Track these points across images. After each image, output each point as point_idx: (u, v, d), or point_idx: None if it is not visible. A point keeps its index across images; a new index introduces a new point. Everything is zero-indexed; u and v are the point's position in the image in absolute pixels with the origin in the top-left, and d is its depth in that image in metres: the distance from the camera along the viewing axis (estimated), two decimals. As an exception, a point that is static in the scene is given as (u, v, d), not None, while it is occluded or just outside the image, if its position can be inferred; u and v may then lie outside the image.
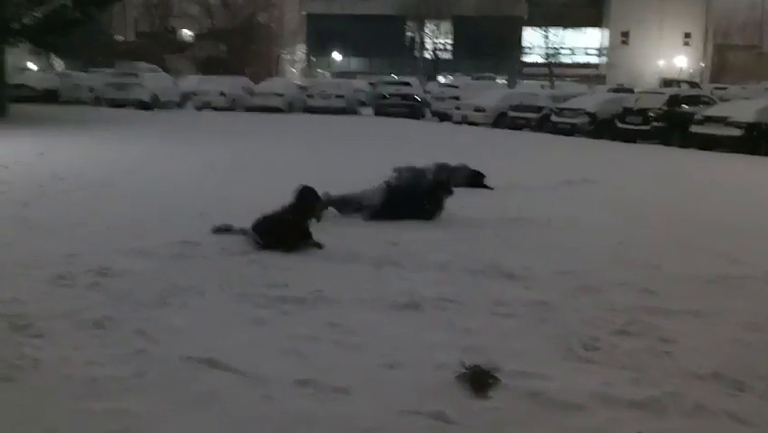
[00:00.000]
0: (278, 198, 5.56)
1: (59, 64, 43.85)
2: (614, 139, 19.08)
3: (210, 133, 16.65)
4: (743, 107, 17.59)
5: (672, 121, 18.31)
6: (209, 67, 52.15)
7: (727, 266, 5.36)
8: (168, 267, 4.83)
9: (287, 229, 5.36)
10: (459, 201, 7.85)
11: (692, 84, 36.10)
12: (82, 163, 10.26)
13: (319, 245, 5.40)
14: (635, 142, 18.64)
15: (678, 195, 9.39)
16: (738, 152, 15.80)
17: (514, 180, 9.94)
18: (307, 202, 5.46)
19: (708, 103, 19.34)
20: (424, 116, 28.07)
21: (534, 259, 5.37)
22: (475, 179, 8.98)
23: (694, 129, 17.33)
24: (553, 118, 21.31)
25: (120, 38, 57.55)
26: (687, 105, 18.91)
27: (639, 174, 11.74)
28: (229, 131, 17.62)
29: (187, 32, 64.68)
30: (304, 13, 56.21)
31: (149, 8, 60.35)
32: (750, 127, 16.26)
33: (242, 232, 5.58)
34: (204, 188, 8.44)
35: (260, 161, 11.52)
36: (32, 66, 39.63)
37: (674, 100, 19.09)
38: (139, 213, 6.74)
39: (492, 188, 8.93)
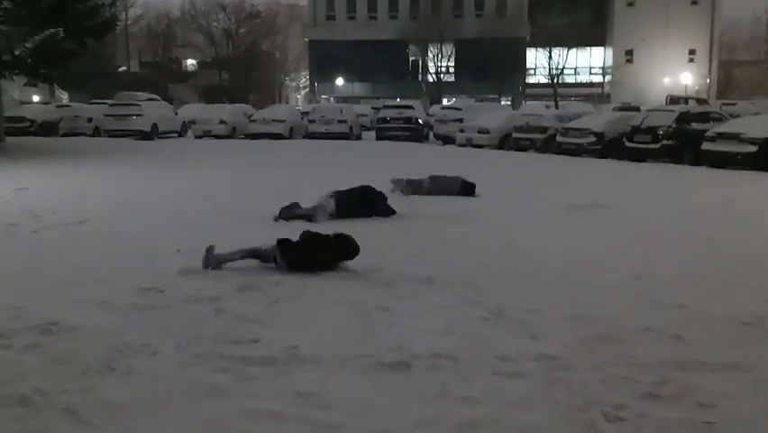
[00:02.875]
0: (267, 233, 5.02)
1: (65, 96, 43.93)
2: (622, 158, 18.46)
3: (205, 163, 16.16)
4: (756, 123, 16.92)
5: (683, 139, 17.67)
6: (212, 95, 52.23)
7: (764, 304, 4.71)
8: (124, 320, 4.24)
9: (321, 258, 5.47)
10: (462, 230, 7.31)
11: (700, 100, 35.50)
12: (64, 198, 9.74)
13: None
14: (644, 161, 18.01)
15: (697, 218, 8.73)
16: (753, 170, 15.15)
17: (518, 206, 9.37)
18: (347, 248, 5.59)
19: (719, 119, 18.70)
20: (427, 139, 27.58)
21: (543, 300, 4.74)
22: (467, 190, 10.20)
23: (706, 146, 16.68)
24: (559, 138, 20.73)
25: (123, 68, 57.80)
26: (697, 122, 18.29)
27: (652, 195, 11.10)
28: (225, 159, 17.13)
29: (190, 62, 65.04)
30: (306, 39, 56.18)
31: (152, 38, 60.66)
32: (765, 143, 15.59)
33: (257, 254, 5.58)
34: (187, 223, 7.87)
35: (252, 189, 10.96)
36: (36, 99, 39.72)
37: (684, 117, 18.44)
38: (110, 253, 6.17)
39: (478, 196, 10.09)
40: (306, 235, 5.73)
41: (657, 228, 7.86)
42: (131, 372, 3.42)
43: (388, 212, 8.12)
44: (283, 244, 5.55)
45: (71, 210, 8.45)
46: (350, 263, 5.65)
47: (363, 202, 8.01)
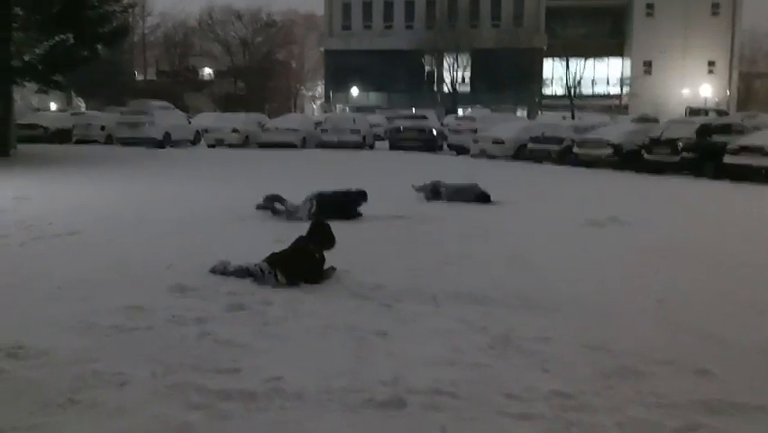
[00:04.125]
0: (268, 245, 4.72)
1: (82, 104, 44.17)
2: (640, 171, 17.99)
3: (213, 172, 15.93)
4: (781, 135, 16.40)
5: (704, 151, 17.16)
6: (228, 104, 52.39)
7: (800, 334, 4.29)
8: (99, 343, 3.91)
9: (308, 259, 5.28)
10: (473, 246, 6.95)
11: (720, 112, 34.87)
12: (64, 208, 9.49)
13: (333, 268, 5.42)
14: (663, 174, 17.53)
15: (722, 235, 8.26)
16: (778, 184, 14.64)
17: (532, 220, 8.98)
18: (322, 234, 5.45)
19: (741, 132, 18.14)
20: (441, 149, 27.24)
21: (556, 326, 4.35)
22: (482, 198, 10.41)
23: (728, 159, 16.18)
24: (576, 150, 20.30)
25: (140, 77, 58.17)
26: (718, 134, 17.75)
27: (673, 211, 10.64)
28: (235, 168, 16.91)
29: (207, 70, 65.34)
30: (322, 49, 56.18)
31: (169, 47, 61.03)
32: (790, 157, 15.09)
33: (249, 273, 5.30)
34: (186, 234, 7.57)
35: (255, 199, 10.64)
36: (53, 106, 39.94)
37: (705, 129, 17.92)
38: (100, 267, 5.86)
39: (494, 202, 10.40)
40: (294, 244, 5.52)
41: (680, 246, 7.42)
42: (94, 405, 3.08)
43: (355, 214, 8.53)
44: (273, 258, 5.28)
45: (68, 220, 8.17)
46: (349, 281, 5.32)
47: (339, 205, 8.39)
